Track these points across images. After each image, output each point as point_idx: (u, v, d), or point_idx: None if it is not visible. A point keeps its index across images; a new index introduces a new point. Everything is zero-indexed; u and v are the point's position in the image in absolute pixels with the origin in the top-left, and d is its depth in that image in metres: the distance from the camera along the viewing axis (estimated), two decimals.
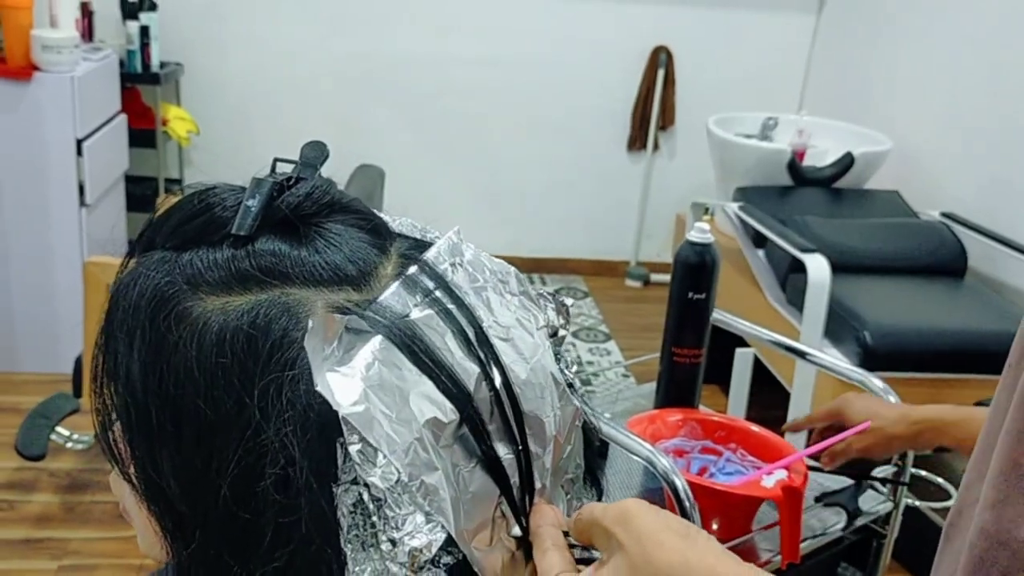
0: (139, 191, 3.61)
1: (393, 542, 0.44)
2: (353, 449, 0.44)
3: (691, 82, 4.15)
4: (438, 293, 0.49)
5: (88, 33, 3.46)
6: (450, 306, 0.49)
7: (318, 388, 0.44)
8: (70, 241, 3.04)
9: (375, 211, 0.54)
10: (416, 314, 0.48)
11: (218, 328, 0.46)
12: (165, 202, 0.52)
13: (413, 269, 0.50)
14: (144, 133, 3.64)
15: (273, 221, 0.49)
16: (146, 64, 3.61)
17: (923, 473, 1.52)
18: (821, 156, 3.21)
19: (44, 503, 2.53)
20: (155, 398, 0.47)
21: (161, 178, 3.80)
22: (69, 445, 2.43)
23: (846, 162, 3.08)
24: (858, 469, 1.29)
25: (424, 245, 0.53)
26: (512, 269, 0.54)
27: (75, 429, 2.42)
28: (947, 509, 0.80)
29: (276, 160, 0.52)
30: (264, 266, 0.48)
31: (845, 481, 1.30)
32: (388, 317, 0.47)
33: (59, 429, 2.36)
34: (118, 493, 0.54)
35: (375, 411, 0.44)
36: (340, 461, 0.44)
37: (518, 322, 0.52)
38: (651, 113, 4.16)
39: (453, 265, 0.51)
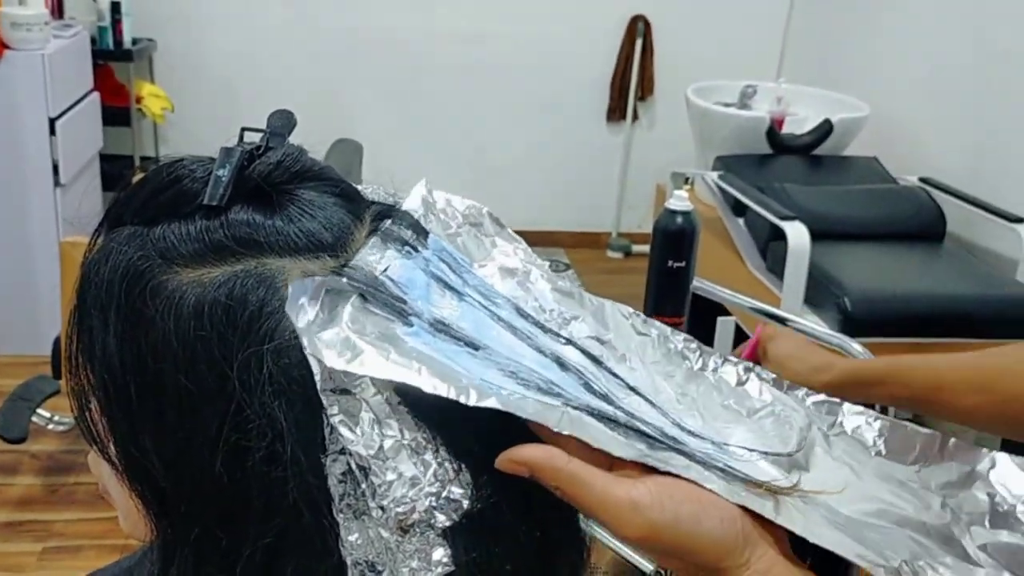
0: (114, 170, 3.56)
1: (383, 508, 0.44)
2: (336, 420, 0.43)
3: (669, 51, 4.13)
4: (415, 243, 0.50)
5: (57, 10, 3.41)
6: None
7: (307, 351, 0.43)
8: (46, 221, 3.01)
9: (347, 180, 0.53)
10: (395, 263, 0.48)
11: (195, 300, 0.45)
12: (135, 177, 0.51)
13: (388, 222, 0.50)
14: (118, 111, 3.60)
15: (245, 191, 0.48)
16: (118, 41, 3.56)
17: None
18: (800, 123, 3.20)
19: (26, 485, 2.52)
20: (134, 374, 0.46)
21: (136, 156, 3.76)
22: (50, 427, 2.42)
23: (825, 129, 3.08)
24: None
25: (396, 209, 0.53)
26: (484, 209, 0.55)
27: (56, 410, 2.41)
28: None
29: (243, 130, 0.51)
30: (238, 236, 0.47)
31: None
32: (366, 272, 0.47)
33: (40, 411, 2.35)
34: (97, 473, 0.54)
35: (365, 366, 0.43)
36: (327, 432, 0.44)
37: (497, 264, 0.53)
38: (630, 83, 4.15)
39: (425, 215, 0.51)
